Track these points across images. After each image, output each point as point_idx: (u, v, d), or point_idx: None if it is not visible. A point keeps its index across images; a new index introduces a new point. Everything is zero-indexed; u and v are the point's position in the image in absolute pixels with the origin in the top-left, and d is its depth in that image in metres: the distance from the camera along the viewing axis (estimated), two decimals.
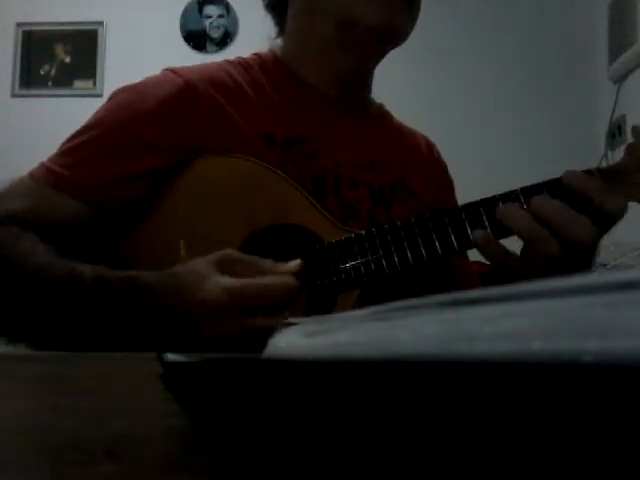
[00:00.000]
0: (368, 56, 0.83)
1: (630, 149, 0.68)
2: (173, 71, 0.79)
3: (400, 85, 2.61)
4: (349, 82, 0.85)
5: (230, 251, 0.65)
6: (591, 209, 0.63)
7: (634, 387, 0.10)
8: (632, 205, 0.68)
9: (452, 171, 0.99)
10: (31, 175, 0.75)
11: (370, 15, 0.76)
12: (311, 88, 0.84)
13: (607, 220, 0.65)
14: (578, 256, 0.64)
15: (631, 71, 2.50)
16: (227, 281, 0.62)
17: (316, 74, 0.84)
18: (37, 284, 0.65)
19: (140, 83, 0.79)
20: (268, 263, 0.66)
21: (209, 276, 0.62)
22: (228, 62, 0.85)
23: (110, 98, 0.79)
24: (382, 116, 0.94)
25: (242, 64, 0.84)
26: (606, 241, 0.70)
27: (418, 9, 0.81)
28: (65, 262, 0.66)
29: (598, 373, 0.10)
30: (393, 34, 0.79)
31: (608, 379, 0.10)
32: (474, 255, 0.86)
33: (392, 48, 0.82)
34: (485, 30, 2.92)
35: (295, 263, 0.66)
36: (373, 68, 0.87)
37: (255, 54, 0.88)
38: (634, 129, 0.69)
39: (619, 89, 2.58)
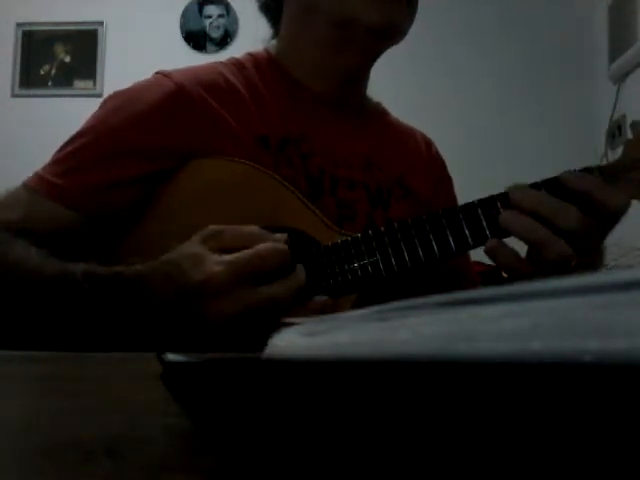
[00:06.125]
0: (365, 55, 0.82)
1: (628, 146, 0.68)
2: (164, 74, 0.78)
3: (399, 84, 2.61)
4: (345, 81, 0.84)
5: (214, 226, 0.65)
6: (592, 207, 0.63)
7: (634, 387, 0.10)
8: (632, 204, 0.68)
9: (452, 170, 0.99)
10: (24, 185, 0.75)
11: (368, 13, 0.75)
12: (306, 88, 0.83)
13: (609, 217, 0.65)
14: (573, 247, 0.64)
15: (631, 71, 2.50)
16: (222, 257, 0.62)
17: (312, 74, 0.83)
18: (30, 287, 0.65)
19: (131, 88, 0.79)
20: (254, 229, 0.65)
21: (204, 256, 0.62)
22: (221, 63, 0.84)
23: (102, 105, 0.78)
24: (379, 114, 0.93)
25: (235, 64, 0.83)
26: (606, 241, 0.70)
27: (415, 7, 0.80)
28: (56, 262, 0.65)
29: (598, 373, 0.10)
30: (391, 32, 0.78)
31: (608, 379, 0.10)
32: (474, 255, 0.86)
33: (390, 46, 0.82)
34: (485, 30, 2.92)
35: (282, 235, 0.66)
36: (370, 67, 0.87)
37: (249, 54, 0.87)
38: (633, 125, 0.69)
39: (619, 89, 2.58)
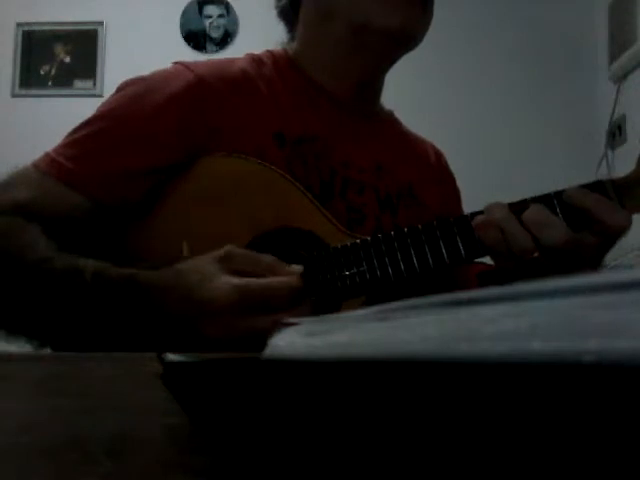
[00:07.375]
0: (381, 60, 0.82)
1: None
2: (185, 65, 0.78)
3: (398, 84, 2.60)
4: (361, 85, 0.84)
5: (232, 247, 0.65)
6: (594, 225, 0.63)
7: (634, 387, 0.10)
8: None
9: (452, 170, 0.99)
10: (35, 165, 0.74)
11: (385, 18, 0.76)
12: (323, 89, 0.83)
13: (611, 236, 0.64)
14: (554, 259, 0.64)
15: (631, 71, 2.50)
16: (233, 280, 0.62)
17: (328, 77, 0.83)
18: (37, 277, 0.65)
19: (150, 76, 0.78)
20: (270, 259, 0.66)
21: (214, 275, 0.62)
22: (240, 58, 0.84)
23: (119, 90, 0.78)
24: (392, 122, 0.94)
25: (255, 60, 0.83)
26: None
27: (431, 14, 0.81)
28: (66, 256, 0.65)
29: (598, 373, 0.10)
30: (407, 38, 0.79)
31: (608, 379, 0.10)
32: None
33: (406, 52, 0.82)
34: (485, 30, 2.92)
35: (299, 267, 0.66)
36: (385, 72, 0.87)
37: (268, 51, 0.87)
38: None
39: (619, 89, 2.58)
